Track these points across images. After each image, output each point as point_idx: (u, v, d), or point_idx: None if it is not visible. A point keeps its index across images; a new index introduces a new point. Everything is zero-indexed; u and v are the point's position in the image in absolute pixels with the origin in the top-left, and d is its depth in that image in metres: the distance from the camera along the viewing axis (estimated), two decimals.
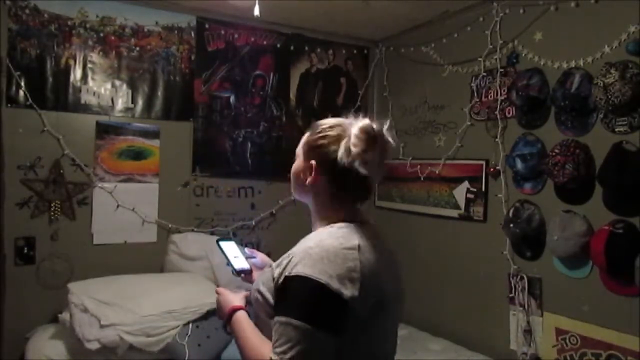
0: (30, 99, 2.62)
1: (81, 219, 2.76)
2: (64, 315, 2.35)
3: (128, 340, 2.23)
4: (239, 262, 1.38)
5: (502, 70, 2.64)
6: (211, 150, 3.16)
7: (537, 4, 2.45)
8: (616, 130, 2.09)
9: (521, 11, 2.53)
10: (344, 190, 1.12)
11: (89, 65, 2.79)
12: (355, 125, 1.09)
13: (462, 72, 2.92)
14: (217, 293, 1.26)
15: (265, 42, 3.31)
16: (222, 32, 3.16)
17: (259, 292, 1.09)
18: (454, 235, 2.93)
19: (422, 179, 3.17)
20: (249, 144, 3.28)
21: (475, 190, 2.79)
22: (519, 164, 2.48)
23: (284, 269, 1.02)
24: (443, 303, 3.00)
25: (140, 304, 2.35)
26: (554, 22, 2.39)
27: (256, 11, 2.48)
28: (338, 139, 1.10)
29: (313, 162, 1.13)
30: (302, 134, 1.22)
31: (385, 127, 1.10)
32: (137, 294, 2.43)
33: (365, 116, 1.12)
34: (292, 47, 3.40)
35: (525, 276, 2.47)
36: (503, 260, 2.57)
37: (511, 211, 2.51)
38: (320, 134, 1.14)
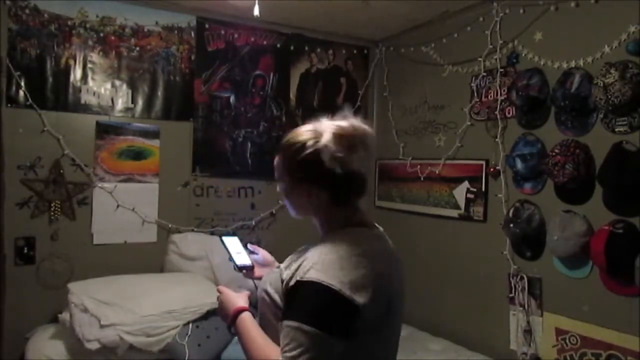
0: (30, 99, 2.63)
1: (81, 219, 2.76)
2: (64, 315, 2.35)
3: (128, 340, 2.23)
4: (241, 258, 1.38)
5: (502, 70, 2.64)
6: (211, 150, 3.15)
7: (537, 4, 2.44)
8: (616, 130, 2.09)
9: (521, 11, 2.53)
10: (342, 194, 1.12)
11: (89, 65, 2.79)
12: (327, 131, 1.08)
13: (462, 72, 2.91)
14: (219, 292, 1.25)
15: (265, 42, 3.31)
16: (222, 32, 3.16)
17: (266, 292, 1.09)
18: (454, 235, 2.93)
19: (422, 179, 3.16)
20: (249, 144, 3.28)
21: (475, 190, 2.79)
22: (519, 164, 2.48)
23: (295, 272, 1.02)
24: (443, 303, 2.99)
25: (140, 304, 2.36)
26: (554, 22, 2.39)
27: (256, 11, 2.48)
28: (316, 147, 1.07)
29: (303, 180, 1.11)
30: None
31: (353, 120, 1.11)
32: (137, 294, 2.43)
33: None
34: (292, 47, 3.40)
35: (525, 276, 2.47)
36: (503, 260, 2.57)
37: (511, 211, 2.51)
38: (298, 147, 1.10)
